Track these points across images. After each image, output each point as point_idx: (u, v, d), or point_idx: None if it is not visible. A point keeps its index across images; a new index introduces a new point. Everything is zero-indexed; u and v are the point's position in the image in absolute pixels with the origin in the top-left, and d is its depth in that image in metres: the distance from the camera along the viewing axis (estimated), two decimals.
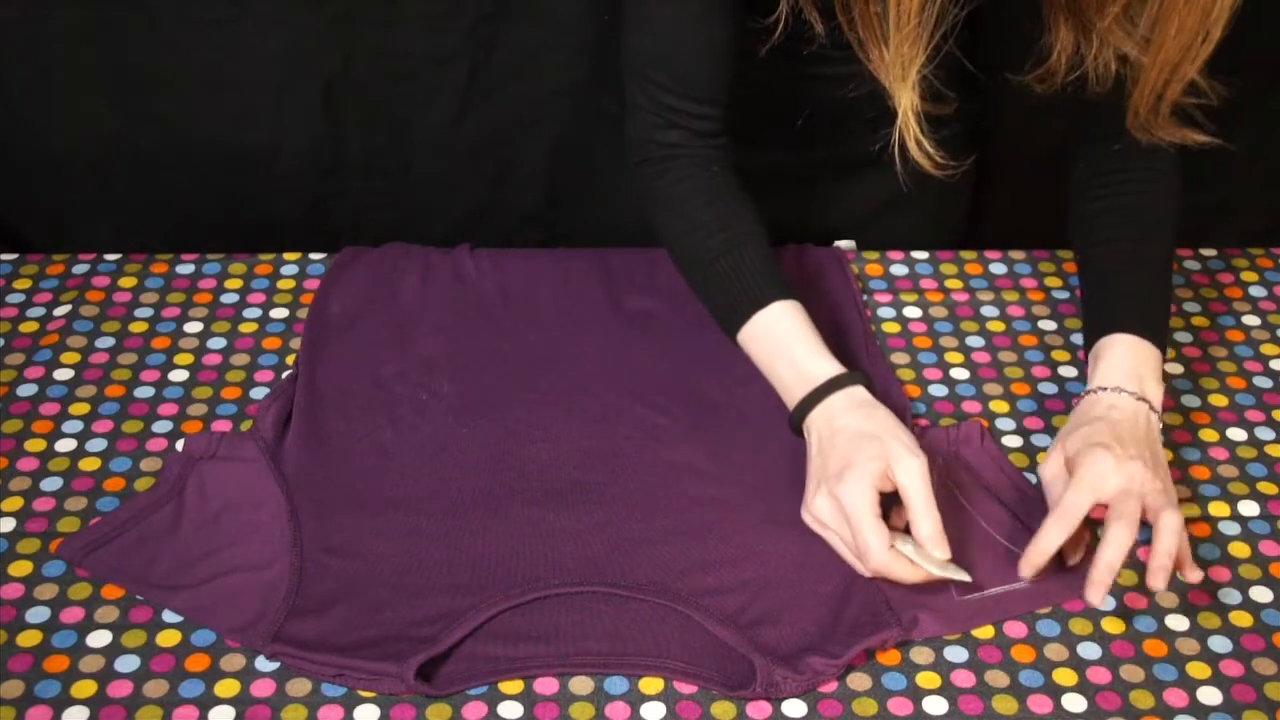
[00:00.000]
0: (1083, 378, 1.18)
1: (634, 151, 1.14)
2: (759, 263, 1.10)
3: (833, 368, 1.06)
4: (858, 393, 1.04)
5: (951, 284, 1.28)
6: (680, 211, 1.13)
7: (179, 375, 1.16)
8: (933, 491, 0.98)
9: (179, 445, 1.08)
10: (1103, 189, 1.16)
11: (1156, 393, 1.06)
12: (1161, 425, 1.06)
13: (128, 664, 0.94)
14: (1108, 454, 0.99)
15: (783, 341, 1.08)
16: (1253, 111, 1.69)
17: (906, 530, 0.99)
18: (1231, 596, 1.00)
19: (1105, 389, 1.05)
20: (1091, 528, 1.05)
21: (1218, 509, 1.07)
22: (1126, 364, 1.06)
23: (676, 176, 1.13)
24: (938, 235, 1.34)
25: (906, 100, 1.02)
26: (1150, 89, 1.07)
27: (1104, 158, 1.17)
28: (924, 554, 0.97)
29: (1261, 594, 1.01)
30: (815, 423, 1.04)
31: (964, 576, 0.97)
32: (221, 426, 1.11)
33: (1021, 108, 1.15)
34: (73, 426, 1.11)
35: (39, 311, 1.22)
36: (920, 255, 1.30)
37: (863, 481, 0.98)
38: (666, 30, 1.08)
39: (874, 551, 0.96)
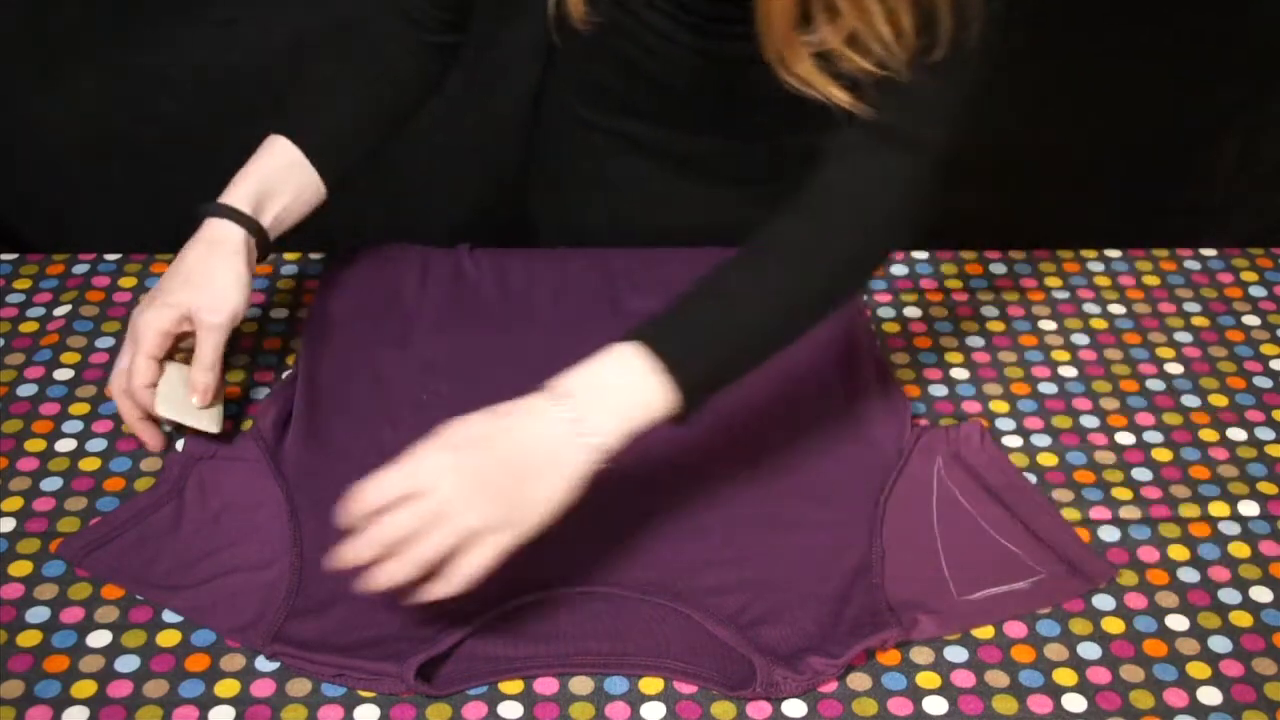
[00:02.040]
0: (1083, 378, 1.18)
1: None
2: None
3: (234, 196, 1.07)
4: (219, 229, 1.05)
5: (951, 284, 1.28)
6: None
7: None
8: (220, 357, 1.03)
9: (179, 445, 1.08)
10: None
11: (604, 420, 0.89)
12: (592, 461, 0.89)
13: (128, 664, 0.94)
14: (436, 443, 0.89)
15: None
16: (1249, 113, 1.70)
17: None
18: (1231, 596, 1.00)
19: (548, 389, 0.91)
20: (1091, 528, 1.05)
21: (1218, 509, 1.07)
22: (595, 374, 0.91)
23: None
24: None
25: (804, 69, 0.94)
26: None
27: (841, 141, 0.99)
28: (186, 412, 1.01)
29: (1261, 594, 1.01)
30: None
31: (206, 426, 1.01)
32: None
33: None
34: (73, 426, 1.11)
35: (39, 311, 1.22)
36: (920, 255, 1.30)
37: (152, 323, 1.02)
38: None
39: (134, 375, 1.01)
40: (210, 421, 1.04)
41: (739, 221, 1.02)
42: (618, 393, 0.90)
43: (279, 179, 1.09)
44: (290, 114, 1.11)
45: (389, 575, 0.87)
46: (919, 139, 0.97)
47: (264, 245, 1.08)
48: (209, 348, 1.03)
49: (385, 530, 0.87)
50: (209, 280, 1.04)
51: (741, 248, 0.97)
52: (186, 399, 1.04)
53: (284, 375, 1.16)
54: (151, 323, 1.02)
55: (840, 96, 0.94)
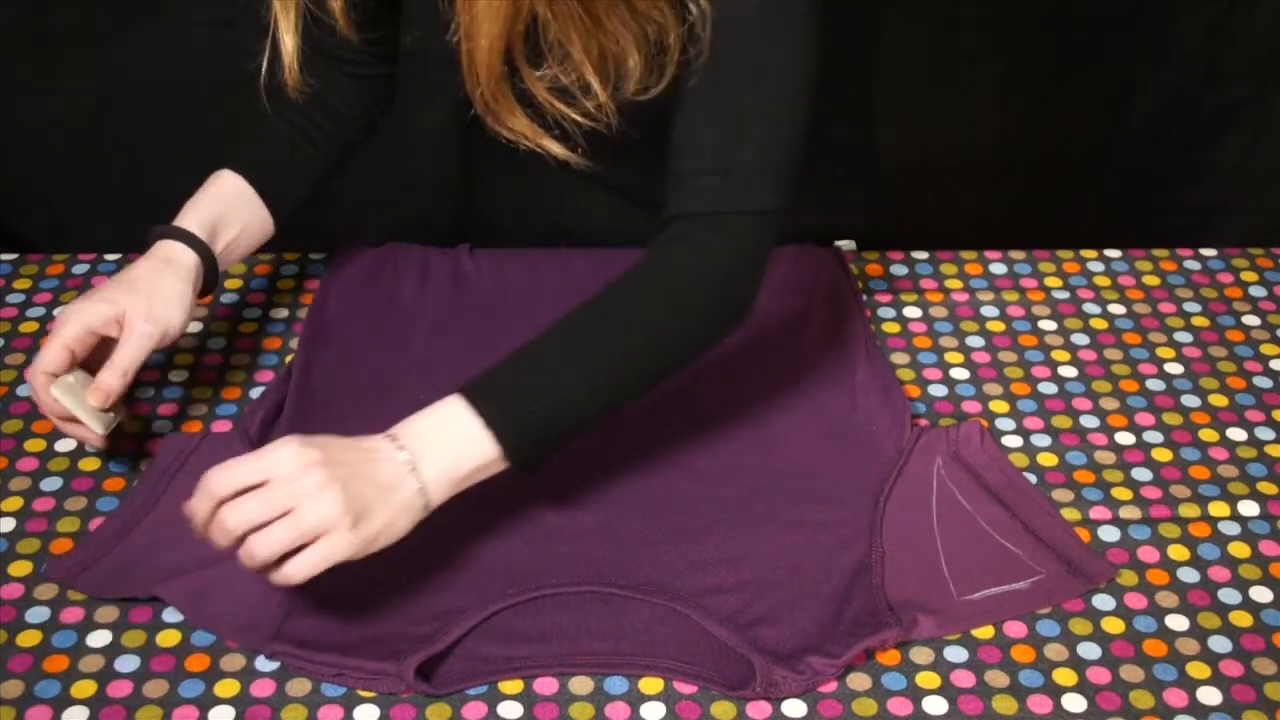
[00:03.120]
0: (1083, 378, 1.18)
1: None
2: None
3: (187, 221, 1.06)
4: (170, 249, 1.04)
5: (951, 284, 1.28)
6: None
7: (179, 375, 1.16)
8: (134, 368, 1.00)
9: (165, 443, 1.07)
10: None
11: (435, 466, 0.91)
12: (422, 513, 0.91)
13: (128, 664, 0.94)
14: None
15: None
16: (1249, 113, 1.70)
17: None
18: (1231, 596, 1.00)
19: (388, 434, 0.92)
20: (1091, 528, 1.05)
21: (1218, 509, 1.07)
22: (426, 423, 0.93)
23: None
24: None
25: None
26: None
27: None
28: (78, 398, 0.98)
29: (1261, 594, 1.01)
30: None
31: (92, 423, 0.98)
32: (222, 426, 1.11)
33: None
34: None
35: (39, 311, 1.22)
36: (920, 255, 1.30)
37: (82, 314, 1.00)
38: None
39: (33, 368, 0.99)
40: (98, 422, 0.99)
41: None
42: (446, 444, 0.92)
43: (230, 209, 1.08)
44: (234, 153, 1.11)
45: (244, 559, 0.88)
46: (747, 209, 0.99)
47: (211, 275, 1.06)
48: (128, 351, 1.00)
49: (234, 516, 0.87)
50: (153, 291, 1.01)
51: (579, 305, 0.99)
52: (85, 398, 1.00)
53: (278, 375, 1.16)
54: (81, 312, 1.00)
55: (557, 149, 0.98)
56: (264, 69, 1.05)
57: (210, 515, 0.88)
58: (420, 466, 0.91)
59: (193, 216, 1.06)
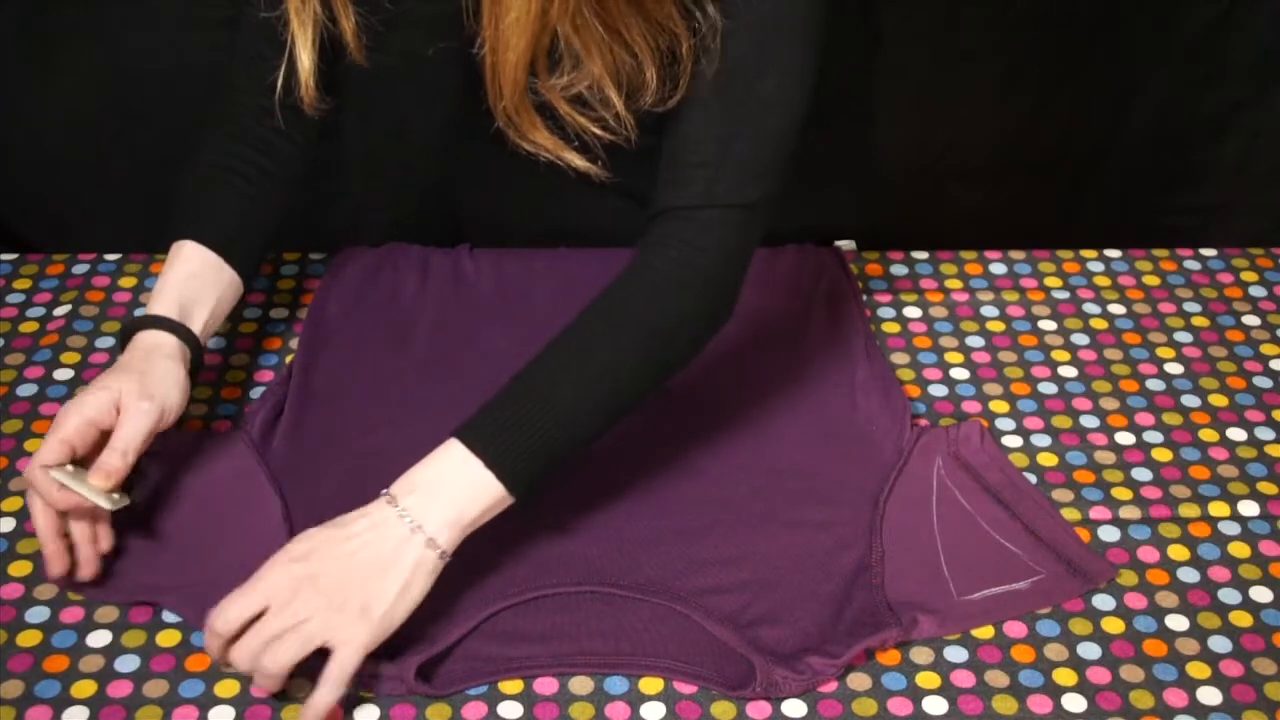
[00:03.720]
0: (1083, 378, 1.18)
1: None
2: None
3: (162, 307, 1.03)
4: (152, 337, 1.02)
5: (951, 284, 1.28)
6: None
7: None
8: (137, 447, 0.96)
9: (165, 442, 1.07)
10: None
11: (439, 517, 0.92)
12: (441, 564, 0.92)
13: (128, 664, 0.94)
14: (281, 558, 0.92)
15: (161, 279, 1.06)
16: (1249, 113, 1.69)
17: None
18: (1231, 596, 1.00)
19: (389, 493, 0.93)
20: (1091, 528, 1.05)
21: (1218, 509, 1.07)
22: (427, 473, 0.94)
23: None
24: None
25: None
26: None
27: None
28: (80, 479, 0.94)
29: (1261, 594, 1.01)
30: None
31: (98, 500, 0.94)
32: (222, 427, 1.11)
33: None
34: None
35: (39, 311, 1.22)
36: (920, 255, 1.30)
37: (78, 406, 0.96)
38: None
39: (31, 463, 0.95)
40: (104, 501, 0.95)
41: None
42: (449, 491, 0.93)
43: (201, 285, 1.06)
44: (191, 217, 1.09)
45: (265, 688, 0.90)
46: (735, 202, 0.99)
47: (196, 355, 1.04)
48: (128, 433, 0.96)
49: (241, 655, 0.89)
50: (145, 372, 0.99)
51: (570, 323, 0.99)
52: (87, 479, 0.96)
53: (278, 375, 1.16)
54: (76, 404, 0.96)
55: (579, 163, 0.98)
56: (279, 86, 1.04)
57: (224, 652, 0.90)
58: (425, 523, 0.91)
59: (165, 301, 1.04)
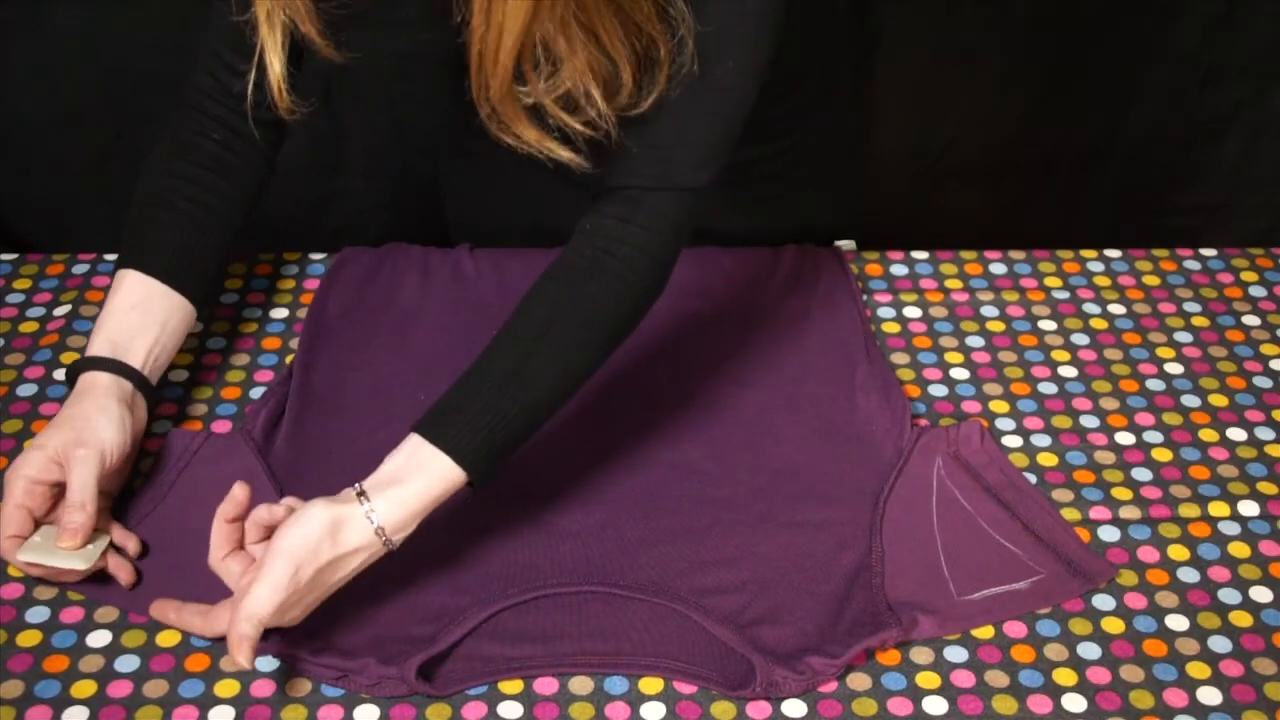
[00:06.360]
0: (1083, 378, 1.18)
1: None
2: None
3: (95, 347, 1.03)
4: (88, 379, 1.02)
5: (951, 284, 1.28)
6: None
7: (179, 375, 1.16)
8: (92, 497, 0.96)
9: (165, 442, 1.07)
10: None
11: (400, 516, 0.93)
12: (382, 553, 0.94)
13: (128, 664, 0.94)
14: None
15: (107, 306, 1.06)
16: (1249, 113, 1.70)
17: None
18: (1231, 596, 1.00)
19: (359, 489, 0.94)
20: (1091, 528, 1.05)
21: (1218, 509, 1.07)
22: (391, 471, 0.94)
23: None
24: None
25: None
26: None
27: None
28: (50, 549, 0.95)
29: (1261, 594, 1.01)
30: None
31: (74, 564, 0.95)
32: (222, 427, 1.11)
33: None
34: None
35: (39, 311, 1.22)
36: (920, 255, 1.30)
37: (19, 470, 0.96)
38: None
39: (1, 524, 0.95)
40: (79, 560, 0.96)
41: None
42: (409, 485, 0.93)
43: (138, 317, 1.05)
44: (134, 245, 1.08)
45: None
46: (687, 185, 1.01)
47: (144, 386, 1.04)
48: (77, 485, 0.96)
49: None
50: (73, 419, 0.99)
51: (519, 303, 1.01)
52: (56, 546, 0.96)
53: (279, 375, 1.16)
54: (19, 468, 0.97)
55: (564, 154, 0.98)
56: (249, 92, 1.03)
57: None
58: (389, 522, 0.92)
59: (98, 341, 1.04)
